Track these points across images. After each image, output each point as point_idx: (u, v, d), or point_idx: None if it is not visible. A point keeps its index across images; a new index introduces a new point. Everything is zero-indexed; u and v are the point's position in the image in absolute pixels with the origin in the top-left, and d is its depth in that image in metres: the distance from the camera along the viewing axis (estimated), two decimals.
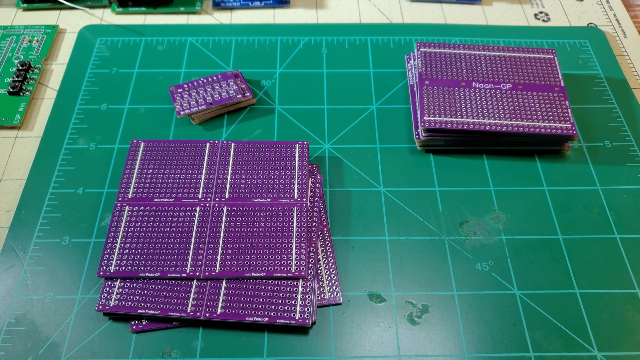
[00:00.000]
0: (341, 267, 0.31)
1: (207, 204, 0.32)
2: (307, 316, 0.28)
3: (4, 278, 0.30)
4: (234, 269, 0.29)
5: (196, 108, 0.36)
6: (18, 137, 0.37)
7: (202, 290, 0.29)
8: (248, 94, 0.38)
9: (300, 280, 0.29)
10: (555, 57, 0.38)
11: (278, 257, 0.30)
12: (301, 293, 0.29)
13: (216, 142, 0.35)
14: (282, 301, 0.28)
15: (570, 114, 0.35)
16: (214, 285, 0.29)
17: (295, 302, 0.28)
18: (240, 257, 0.30)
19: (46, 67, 0.41)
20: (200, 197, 0.32)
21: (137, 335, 0.29)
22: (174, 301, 0.29)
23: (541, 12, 0.46)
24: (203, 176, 0.33)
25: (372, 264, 0.31)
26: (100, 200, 0.34)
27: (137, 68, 0.40)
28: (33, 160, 0.35)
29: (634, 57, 0.43)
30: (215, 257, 0.30)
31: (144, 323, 0.29)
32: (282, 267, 0.29)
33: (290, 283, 0.29)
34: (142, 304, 0.28)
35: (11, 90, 0.38)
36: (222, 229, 0.31)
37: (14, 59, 0.41)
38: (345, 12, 0.46)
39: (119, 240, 0.30)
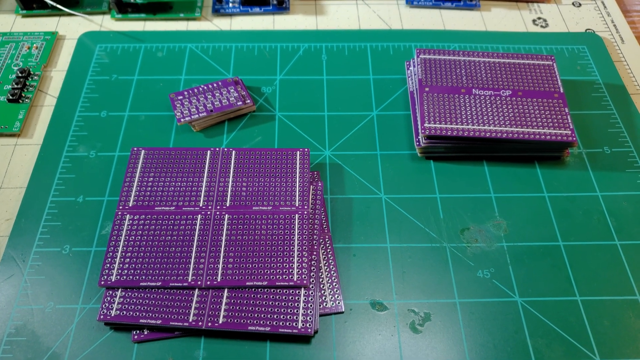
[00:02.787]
0: (343, 275, 0.31)
1: (208, 212, 0.32)
2: (310, 325, 0.28)
3: (4, 288, 0.30)
4: (235, 277, 0.29)
5: (197, 115, 0.36)
6: (18, 145, 0.37)
7: (204, 300, 0.29)
8: (248, 100, 0.38)
9: (302, 289, 0.29)
10: (555, 64, 0.38)
11: (280, 266, 0.30)
12: (303, 302, 0.29)
13: (217, 149, 0.34)
14: (284, 310, 0.28)
15: (569, 121, 0.35)
16: (215, 294, 0.29)
17: (297, 311, 0.28)
18: (242, 266, 0.30)
19: (46, 74, 0.41)
20: (201, 205, 0.32)
21: (138, 345, 0.29)
22: (175, 311, 0.28)
23: (539, 18, 0.46)
24: (204, 184, 0.33)
25: (373, 271, 0.31)
26: (100, 208, 0.34)
27: (137, 75, 0.40)
28: (33, 168, 0.35)
29: (632, 63, 0.43)
30: (217, 266, 0.30)
31: (145, 333, 0.29)
32: (284, 276, 0.29)
33: (292, 292, 0.29)
34: (144, 314, 0.28)
35: (10, 97, 0.38)
36: (224, 238, 0.31)
37: (13, 66, 0.41)
38: (345, 19, 0.46)
39: (119, 249, 0.30)
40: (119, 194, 0.33)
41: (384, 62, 0.42)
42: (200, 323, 0.28)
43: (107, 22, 0.45)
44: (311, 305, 0.29)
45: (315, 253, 0.30)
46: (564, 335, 0.29)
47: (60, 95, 0.39)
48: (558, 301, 0.30)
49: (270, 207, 0.32)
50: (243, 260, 0.30)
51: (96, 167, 0.35)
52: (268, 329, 0.28)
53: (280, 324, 0.28)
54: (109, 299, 0.29)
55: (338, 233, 0.33)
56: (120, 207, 0.32)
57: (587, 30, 0.45)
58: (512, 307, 0.30)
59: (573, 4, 0.48)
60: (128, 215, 0.32)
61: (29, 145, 0.37)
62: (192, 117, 0.36)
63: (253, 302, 0.29)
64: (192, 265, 0.30)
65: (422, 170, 0.36)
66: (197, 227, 0.31)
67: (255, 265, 0.30)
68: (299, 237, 0.31)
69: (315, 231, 0.31)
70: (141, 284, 0.29)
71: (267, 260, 0.30)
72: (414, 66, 0.39)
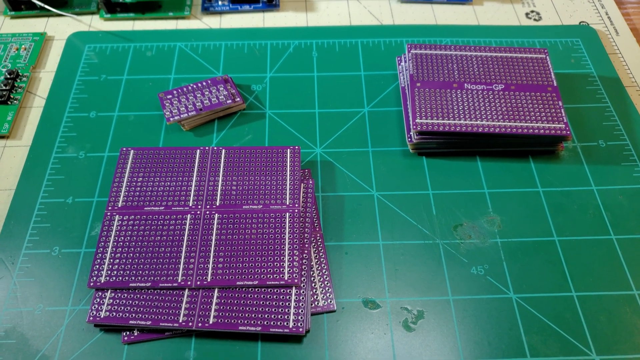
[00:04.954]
0: (335, 273, 0.31)
1: (198, 212, 0.31)
2: (301, 324, 0.27)
3: None
4: (225, 277, 0.29)
5: (186, 114, 0.36)
6: (6, 147, 0.37)
7: (194, 300, 0.28)
8: (238, 99, 0.37)
9: (294, 287, 0.29)
10: (548, 57, 0.38)
11: (270, 265, 0.29)
12: (294, 301, 0.28)
13: (206, 148, 0.34)
14: (275, 310, 0.28)
15: (563, 114, 0.34)
16: (205, 294, 0.29)
17: (288, 311, 0.28)
18: (232, 266, 0.29)
19: (34, 75, 0.41)
20: (191, 205, 0.32)
21: (128, 346, 0.28)
22: (165, 311, 0.28)
23: (532, 11, 0.46)
24: (194, 183, 0.33)
25: (366, 269, 0.31)
26: (90, 209, 0.33)
27: (126, 75, 0.40)
28: (22, 169, 0.35)
29: (627, 55, 0.43)
30: (207, 266, 0.29)
31: (135, 334, 0.28)
32: (275, 275, 0.29)
33: (283, 291, 0.29)
34: (134, 315, 0.28)
35: None
36: (214, 237, 0.30)
37: (2, 67, 0.40)
38: (335, 15, 0.45)
39: (109, 250, 0.30)
40: (108, 195, 0.32)
41: (375, 58, 0.41)
42: (190, 323, 0.28)
43: (95, 22, 0.44)
44: (302, 305, 0.28)
45: (306, 252, 0.30)
46: (560, 332, 0.29)
47: (49, 96, 0.39)
48: (553, 297, 0.30)
49: (261, 206, 0.32)
50: (233, 259, 0.30)
51: (85, 167, 0.35)
52: (259, 328, 0.27)
53: (272, 323, 0.28)
54: (98, 300, 0.29)
55: (330, 231, 0.32)
56: (110, 208, 0.32)
57: (581, 23, 0.45)
58: (507, 303, 0.30)
59: None
60: (117, 215, 0.31)
61: (17, 147, 0.37)
62: (182, 116, 0.36)
63: (244, 302, 0.28)
64: (182, 266, 0.29)
65: (414, 166, 0.35)
66: (187, 227, 0.31)
67: (245, 265, 0.29)
68: (290, 236, 0.30)
69: (306, 229, 0.31)
70: (131, 284, 0.29)
71: (258, 259, 0.30)
72: (405, 61, 0.39)
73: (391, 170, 0.35)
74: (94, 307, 0.28)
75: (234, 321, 0.28)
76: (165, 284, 0.29)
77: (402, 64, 0.39)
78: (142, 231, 0.31)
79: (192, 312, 0.28)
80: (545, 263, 0.31)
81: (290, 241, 0.30)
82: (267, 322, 0.28)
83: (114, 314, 0.28)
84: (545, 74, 0.37)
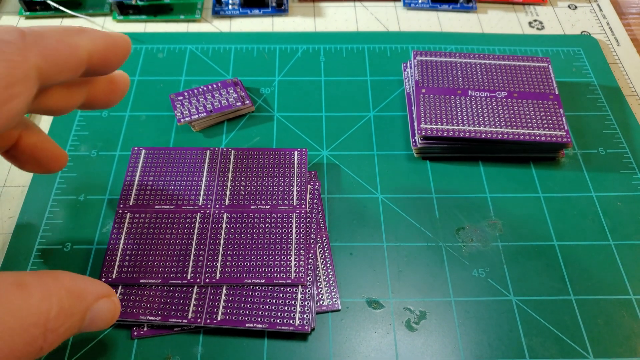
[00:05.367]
0: (340, 273, 0.32)
1: (208, 211, 0.32)
2: (306, 322, 0.28)
3: None
4: (233, 275, 0.30)
5: (196, 115, 0.37)
6: None
7: (203, 297, 0.29)
8: (247, 101, 0.38)
9: (300, 287, 0.30)
10: (550, 66, 0.38)
11: (277, 264, 0.30)
12: (300, 300, 0.29)
13: (216, 149, 0.35)
14: (281, 308, 0.29)
15: (564, 122, 0.35)
16: (214, 291, 0.29)
17: (294, 309, 0.29)
18: (240, 264, 0.30)
19: None
20: (200, 204, 0.32)
21: (138, 341, 0.29)
22: (175, 307, 0.29)
23: (535, 20, 0.47)
24: (203, 183, 0.33)
25: (370, 270, 0.32)
26: (101, 207, 0.34)
27: (138, 75, 0.41)
28: None
29: (627, 65, 0.43)
30: (216, 264, 0.30)
31: (145, 329, 0.29)
32: (282, 274, 0.30)
33: (290, 290, 0.29)
34: (144, 311, 0.29)
35: None
36: (222, 236, 0.31)
37: None
38: (343, 21, 0.46)
39: (120, 246, 0.31)
40: (120, 193, 0.33)
41: (381, 64, 0.42)
42: (199, 320, 0.28)
43: (108, 24, 0.45)
44: (308, 303, 0.29)
45: (312, 251, 0.31)
46: (558, 334, 0.29)
47: None
48: (552, 300, 0.31)
49: (269, 206, 0.32)
50: (241, 258, 0.30)
51: (97, 166, 0.36)
52: (266, 326, 0.28)
53: (278, 321, 0.28)
54: None
55: (335, 232, 0.33)
56: (121, 206, 0.32)
57: (583, 33, 0.46)
58: (507, 305, 0.30)
59: (569, 6, 0.48)
60: (128, 213, 0.32)
61: None
62: (192, 117, 0.37)
63: (251, 300, 0.29)
64: (191, 263, 0.30)
65: (419, 170, 0.36)
66: (197, 226, 0.32)
67: (253, 263, 0.30)
68: (297, 236, 0.31)
69: (312, 230, 0.32)
70: (141, 281, 0.30)
71: (265, 258, 0.30)
72: (411, 68, 0.40)
73: (396, 173, 0.36)
74: None
75: (242, 318, 0.28)
76: (175, 281, 0.30)
77: (408, 70, 0.40)
78: (153, 229, 0.31)
79: (201, 309, 0.29)
80: (545, 267, 0.32)
81: (296, 241, 0.31)
82: (273, 320, 0.28)
83: (124, 309, 0.29)
84: (547, 82, 0.38)
